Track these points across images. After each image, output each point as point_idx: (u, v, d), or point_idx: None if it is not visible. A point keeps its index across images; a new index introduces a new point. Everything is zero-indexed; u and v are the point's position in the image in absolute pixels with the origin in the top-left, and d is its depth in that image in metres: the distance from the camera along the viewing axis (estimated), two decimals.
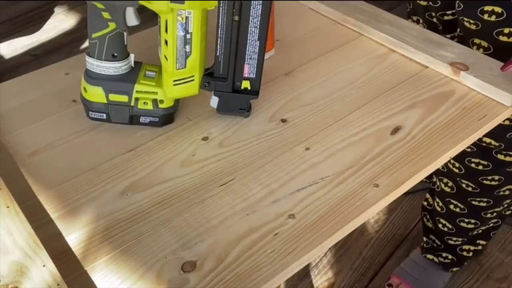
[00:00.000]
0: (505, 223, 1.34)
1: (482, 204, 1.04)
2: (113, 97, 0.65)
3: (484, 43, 0.84)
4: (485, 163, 0.98)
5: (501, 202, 1.05)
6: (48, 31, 2.17)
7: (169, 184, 0.61)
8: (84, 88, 0.66)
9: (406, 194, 1.43)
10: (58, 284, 0.48)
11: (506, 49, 0.82)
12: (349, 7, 0.89)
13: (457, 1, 0.85)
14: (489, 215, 1.07)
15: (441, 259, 1.19)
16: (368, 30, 0.85)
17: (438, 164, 0.65)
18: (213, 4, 0.61)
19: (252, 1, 0.61)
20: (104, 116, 0.67)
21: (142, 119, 0.67)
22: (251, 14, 0.62)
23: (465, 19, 0.84)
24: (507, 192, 1.02)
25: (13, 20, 2.24)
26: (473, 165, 0.99)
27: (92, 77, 0.65)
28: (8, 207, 0.55)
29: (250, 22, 0.63)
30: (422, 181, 1.10)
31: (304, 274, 1.26)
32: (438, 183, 1.11)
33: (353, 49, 0.83)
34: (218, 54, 0.65)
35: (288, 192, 0.60)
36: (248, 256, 0.53)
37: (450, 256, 1.18)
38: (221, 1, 0.61)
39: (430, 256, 1.21)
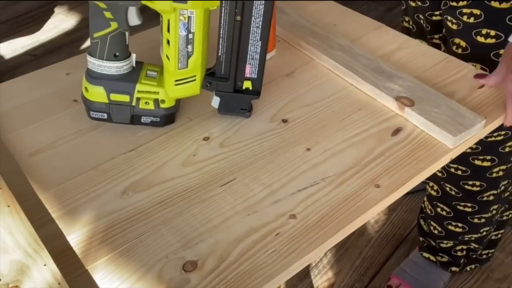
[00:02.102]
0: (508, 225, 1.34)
1: (467, 209, 1.04)
2: (115, 96, 0.65)
3: (463, 43, 0.84)
4: (463, 168, 0.98)
5: (486, 207, 1.04)
6: (48, 31, 2.17)
7: (170, 184, 0.61)
8: (85, 88, 0.66)
9: (407, 194, 1.43)
10: (59, 283, 0.48)
11: (482, 49, 0.83)
12: (303, 29, 0.84)
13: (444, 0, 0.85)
14: (476, 220, 1.06)
15: (439, 258, 1.19)
16: (318, 56, 0.80)
17: (439, 165, 0.65)
18: (215, 4, 0.61)
19: (255, 1, 0.61)
20: (105, 115, 0.67)
21: (143, 119, 0.67)
22: (253, 14, 0.62)
23: (449, 18, 0.85)
24: (491, 198, 1.02)
25: (13, 20, 2.23)
26: (452, 169, 0.99)
27: (94, 77, 0.65)
28: (9, 206, 0.55)
29: (252, 22, 0.63)
30: (423, 181, 1.11)
31: (304, 274, 1.26)
32: (426, 186, 1.12)
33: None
34: (220, 54, 0.65)
35: (289, 192, 0.60)
36: (249, 256, 0.53)
37: (446, 256, 1.18)
38: (224, 1, 0.61)
39: (426, 255, 1.21)
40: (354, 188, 0.60)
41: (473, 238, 1.11)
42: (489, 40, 0.81)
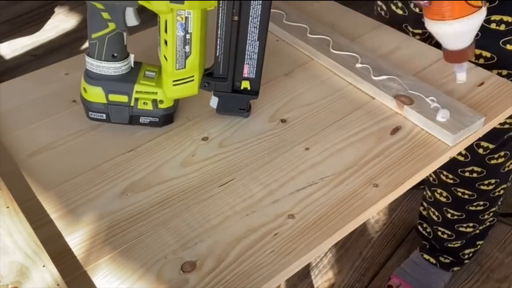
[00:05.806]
0: (505, 223, 1.35)
1: (479, 207, 1.05)
2: (113, 97, 0.65)
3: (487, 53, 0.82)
4: (479, 169, 0.97)
5: (496, 202, 1.05)
6: (49, 31, 2.17)
7: (169, 184, 0.61)
8: (84, 89, 0.66)
9: (410, 189, 1.43)
10: (58, 285, 0.48)
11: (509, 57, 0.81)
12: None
13: None
14: (486, 216, 1.07)
15: (442, 259, 1.19)
16: (317, 55, 0.80)
17: (438, 163, 0.65)
18: (212, 4, 0.61)
19: (252, 1, 0.61)
20: (104, 116, 0.67)
21: (142, 119, 0.67)
22: (250, 14, 0.62)
23: None
24: (502, 192, 1.03)
25: (13, 20, 2.24)
26: (467, 174, 0.99)
27: (92, 77, 0.65)
28: (8, 207, 0.55)
29: (249, 22, 0.63)
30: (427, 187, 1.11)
31: (304, 274, 1.26)
32: (429, 193, 1.11)
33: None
34: (217, 54, 0.65)
35: (287, 192, 0.60)
36: (248, 256, 0.53)
37: (450, 257, 1.18)
38: (221, 1, 0.61)
39: (427, 257, 1.21)
40: (353, 188, 0.60)
41: (478, 231, 1.11)
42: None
